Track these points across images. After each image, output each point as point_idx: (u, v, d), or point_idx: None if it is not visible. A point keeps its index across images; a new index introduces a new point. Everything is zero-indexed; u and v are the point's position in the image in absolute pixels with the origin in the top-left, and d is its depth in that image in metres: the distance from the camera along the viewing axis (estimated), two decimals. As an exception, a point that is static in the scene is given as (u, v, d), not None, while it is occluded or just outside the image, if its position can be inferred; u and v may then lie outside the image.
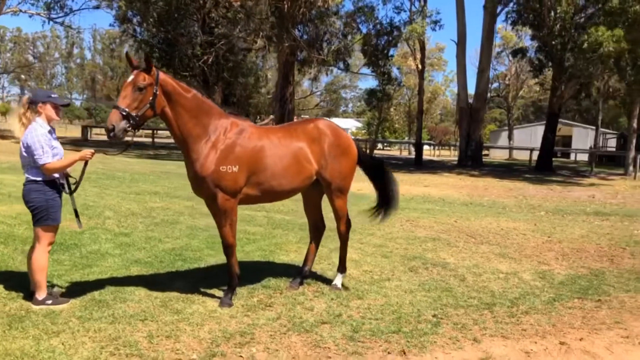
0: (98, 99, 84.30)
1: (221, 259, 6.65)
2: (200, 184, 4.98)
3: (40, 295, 4.75)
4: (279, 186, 5.27)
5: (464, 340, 4.59)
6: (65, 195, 4.92)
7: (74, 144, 25.42)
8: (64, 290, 5.19)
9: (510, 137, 58.11)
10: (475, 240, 8.93)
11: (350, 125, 66.90)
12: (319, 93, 69.96)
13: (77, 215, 5.09)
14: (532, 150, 36.81)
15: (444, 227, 10.07)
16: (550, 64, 30.40)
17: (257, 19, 29.49)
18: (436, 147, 54.03)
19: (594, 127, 52.41)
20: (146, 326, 4.50)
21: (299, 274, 5.96)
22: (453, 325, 4.93)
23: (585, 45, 22.64)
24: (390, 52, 31.99)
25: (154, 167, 19.09)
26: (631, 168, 28.18)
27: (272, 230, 8.72)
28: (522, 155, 48.64)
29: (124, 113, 4.43)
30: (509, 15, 30.79)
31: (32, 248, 4.80)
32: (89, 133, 41.49)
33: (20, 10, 33.86)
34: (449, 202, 14.63)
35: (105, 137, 39.09)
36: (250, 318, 4.85)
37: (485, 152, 41.74)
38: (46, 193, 4.65)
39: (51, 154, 4.61)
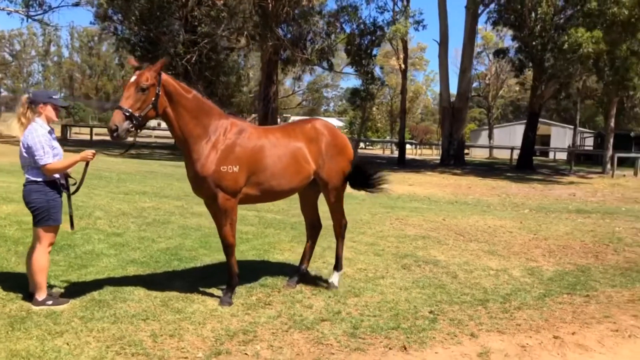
0: (76, 98, 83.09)
1: (216, 258, 6.71)
2: (201, 184, 5.01)
3: (41, 296, 4.74)
4: (279, 186, 5.33)
5: (462, 336, 4.71)
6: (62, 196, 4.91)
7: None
8: (62, 290, 5.18)
9: (490, 136, 58.87)
10: (464, 238, 9.09)
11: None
12: (301, 92, 70.08)
13: (71, 217, 5.07)
14: (512, 149, 37.36)
15: (432, 225, 10.22)
16: (530, 64, 30.92)
17: (240, 17, 29.40)
18: (418, 146, 54.46)
19: (571, 127, 53.42)
20: (149, 325, 4.53)
21: (295, 272, 6.03)
22: (449, 321, 5.05)
23: (566, 46, 23.08)
24: (374, 52, 32.16)
25: (139, 167, 18.96)
26: (609, 166, 28.84)
27: (264, 229, 8.76)
28: (502, 154, 49.38)
29: (127, 114, 4.44)
30: (490, 16, 31.19)
31: (32, 249, 4.78)
32: (68, 132, 40.89)
33: (-2, 8, 33.23)
34: (435, 200, 14.82)
35: (86, 137, 38.64)
36: (251, 316, 4.90)
37: (466, 151, 42.20)
38: (47, 194, 4.65)
39: (52, 155, 4.61)
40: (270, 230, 8.78)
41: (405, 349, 4.38)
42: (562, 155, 48.98)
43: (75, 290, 5.21)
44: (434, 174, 25.44)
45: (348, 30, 30.73)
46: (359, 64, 31.20)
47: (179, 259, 6.67)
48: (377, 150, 55.50)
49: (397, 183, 19.24)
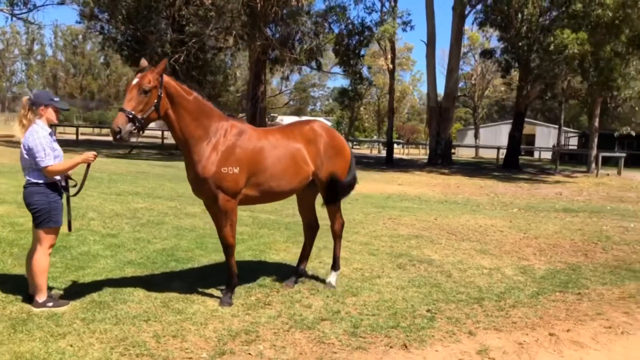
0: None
1: (213, 259, 6.74)
2: (202, 185, 5.04)
3: (41, 297, 4.74)
4: (278, 187, 5.38)
5: (460, 334, 4.80)
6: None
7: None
8: (62, 292, 5.17)
9: (476, 136, 59.34)
10: (456, 237, 9.20)
11: (319, 124, 66.88)
12: (288, 92, 70.05)
13: (69, 219, 5.07)
14: (498, 148, 37.74)
15: (424, 224, 10.32)
16: (516, 64, 31.27)
17: (228, 17, 29.31)
18: (405, 146, 54.74)
19: (556, 126, 54.06)
20: (151, 326, 4.55)
21: (294, 272, 6.08)
22: (447, 319, 5.14)
23: (552, 47, 23.38)
24: (362, 52, 32.28)
25: (129, 167, 18.84)
26: (593, 166, 29.27)
27: (258, 230, 8.79)
28: (488, 154, 49.84)
29: (130, 116, 4.46)
30: (477, 17, 31.47)
31: (33, 250, 4.78)
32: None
33: (-18, 6, 32.76)
34: (425, 200, 14.95)
35: (72, 137, 38.22)
36: (252, 316, 4.94)
37: (452, 150, 42.53)
38: (48, 195, 4.65)
39: (53, 156, 4.61)
40: (264, 230, 8.81)
41: (406, 347, 4.45)
42: (547, 155, 49.59)
43: (74, 291, 5.21)
44: (422, 174, 25.63)
45: (336, 31, 30.88)
46: (347, 64, 31.33)
47: (176, 259, 6.68)
48: (364, 150, 55.69)
49: (387, 183, 19.38)
